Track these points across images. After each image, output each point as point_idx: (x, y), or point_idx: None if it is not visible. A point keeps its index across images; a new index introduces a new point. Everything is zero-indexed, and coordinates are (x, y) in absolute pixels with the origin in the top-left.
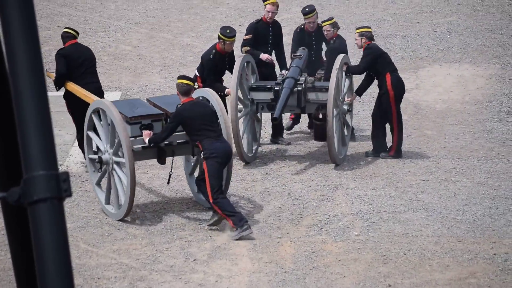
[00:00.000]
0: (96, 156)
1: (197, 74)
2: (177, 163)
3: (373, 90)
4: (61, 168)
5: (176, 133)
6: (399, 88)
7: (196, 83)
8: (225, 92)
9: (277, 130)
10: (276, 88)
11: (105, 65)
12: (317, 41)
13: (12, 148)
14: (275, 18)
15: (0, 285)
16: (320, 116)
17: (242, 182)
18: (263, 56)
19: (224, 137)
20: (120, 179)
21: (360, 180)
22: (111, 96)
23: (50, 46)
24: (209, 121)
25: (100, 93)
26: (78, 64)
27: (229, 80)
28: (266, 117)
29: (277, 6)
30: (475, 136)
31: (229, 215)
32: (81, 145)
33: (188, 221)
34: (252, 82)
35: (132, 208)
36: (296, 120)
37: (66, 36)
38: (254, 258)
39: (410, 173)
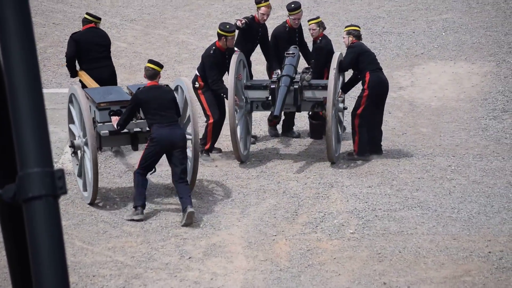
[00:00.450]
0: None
1: (198, 74)
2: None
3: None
4: (56, 166)
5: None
6: (377, 89)
7: (196, 82)
8: (228, 98)
9: (286, 125)
10: (272, 86)
11: None
12: (300, 38)
13: (7, 145)
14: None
15: None
16: (311, 113)
17: (237, 179)
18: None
19: (188, 127)
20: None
21: (355, 178)
22: None
23: (45, 42)
24: (164, 107)
25: (113, 77)
26: (89, 49)
27: (226, 79)
28: (262, 115)
29: (271, 8)
30: (470, 134)
31: (137, 192)
32: None
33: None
34: (244, 80)
35: (97, 191)
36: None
37: (84, 21)
38: (249, 256)
39: (405, 171)
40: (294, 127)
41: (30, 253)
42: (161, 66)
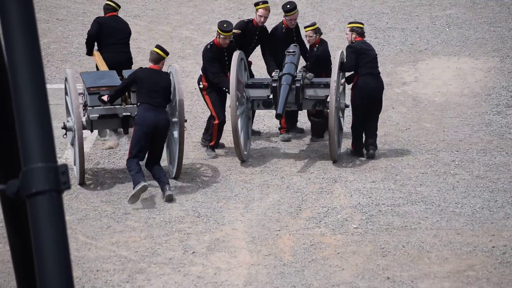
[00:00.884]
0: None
1: (202, 74)
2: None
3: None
4: (60, 161)
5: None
6: (360, 94)
7: (201, 83)
8: (229, 92)
9: (290, 123)
10: (274, 85)
11: None
12: (297, 37)
13: (11, 140)
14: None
15: None
16: (316, 111)
17: (241, 174)
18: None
19: (173, 116)
20: None
21: (359, 173)
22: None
23: (48, 38)
24: (155, 90)
25: (129, 63)
26: (110, 33)
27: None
28: (263, 112)
29: (269, 11)
30: (474, 129)
31: (133, 178)
32: None
33: (187, 213)
34: (245, 79)
35: (84, 172)
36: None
37: (106, 8)
38: (253, 251)
39: (409, 166)
40: (297, 124)
41: (34, 248)
42: (166, 53)
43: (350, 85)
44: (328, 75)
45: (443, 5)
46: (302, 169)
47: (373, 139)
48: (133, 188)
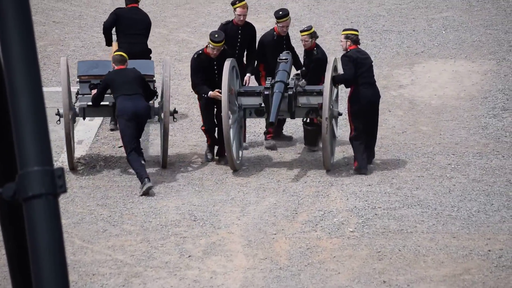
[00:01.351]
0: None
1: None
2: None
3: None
4: (56, 164)
5: None
6: (357, 105)
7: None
8: (208, 95)
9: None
10: (266, 93)
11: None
12: (287, 44)
13: (7, 143)
14: (250, 21)
15: None
16: (308, 120)
17: (237, 178)
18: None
19: (160, 111)
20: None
21: (355, 176)
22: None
23: (45, 41)
24: (128, 82)
25: (145, 54)
26: (128, 24)
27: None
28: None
29: (247, 8)
30: (470, 132)
31: (137, 171)
32: None
33: (183, 217)
34: (237, 87)
35: (72, 158)
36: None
37: None
38: (249, 255)
39: (405, 169)
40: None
41: (30, 252)
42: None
43: (347, 93)
44: None
45: (440, 8)
46: (298, 173)
47: (370, 155)
48: (141, 184)
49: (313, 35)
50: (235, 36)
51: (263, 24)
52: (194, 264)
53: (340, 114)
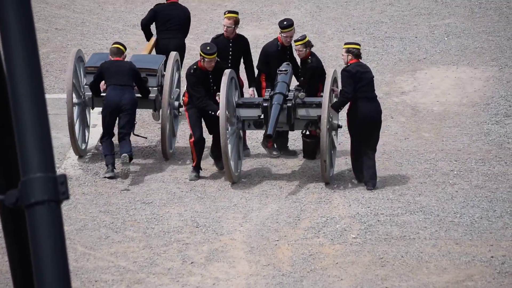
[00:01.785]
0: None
1: (186, 90)
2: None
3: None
4: (59, 171)
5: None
6: (355, 120)
7: (182, 98)
8: (217, 114)
9: (280, 143)
10: (265, 104)
11: None
12: (290, 55)
13: (10, 150)
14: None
15: None
16: (308, 132)
17: (240, 184)
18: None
19: (160, 102)
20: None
21: (358, 183)
22: None
23: (47, 48)
24: (119, 72)
25: (181, 49)
26: (165, 20)
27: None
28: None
29: (235, 21)
30: (472, 138)
31: (106, 158)
32: None
33: (185, 223)
34: (236, 98)
35: (75, 145)
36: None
37: None
38: (251, 261)
39: (407, 175)
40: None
41: (33, 258)
42: (125, 48)
43: (346, 108)
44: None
45: (442, 15)
46: (301, 179)
47: (372, 172)
48: (106, 168)
49: (307, 45)
50: (226, 50)
51: (265, 31)
52: (197, 271)
53: (340, 126)
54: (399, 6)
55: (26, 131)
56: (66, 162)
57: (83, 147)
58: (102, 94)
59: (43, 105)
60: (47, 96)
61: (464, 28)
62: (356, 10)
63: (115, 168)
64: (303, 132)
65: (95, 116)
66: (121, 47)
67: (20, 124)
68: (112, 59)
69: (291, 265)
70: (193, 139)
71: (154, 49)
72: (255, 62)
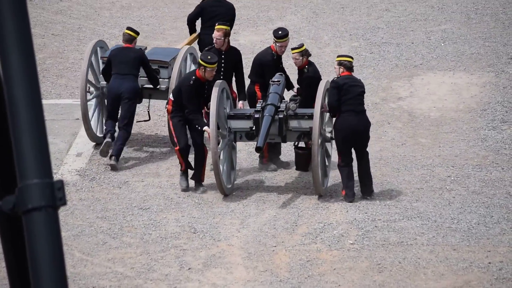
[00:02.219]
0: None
1: (171, 97)
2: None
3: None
4: (56, 177)
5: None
6: (341, 133)
7: (166, 106)
8: (204, 129)
9: (273, 154)
10: (256, 116)
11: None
12: (281, 64)
13: (7, 156)
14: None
15: None
16: (299, 144)
17: (237, 190)
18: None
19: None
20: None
21: (355, 189)
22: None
23: (44, 53)
24: (125, 61)
25: None
26: (210, 16)
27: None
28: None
29: (224, 33)
30: (469, 144)
31: (106, 129)
32: None
33: (183, 229)
34: (227, 109)
35: (89, 131)
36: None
37: None
38: (249, 267)
39: (404, 181)
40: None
41: (30, 264)
42: (137, 33)
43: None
44: None
45: (438, 21)
46: (298, 185)
47: (368, 183)
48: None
49: (304, 53)
50: (218, 61)
51: (262, 36)
52: (194, 277)
53: (332, 138)
54: (396, 12)
55: (22, 137)
56: (63, 168)
57: (99, 134)
58: None
59: (39, 111)
60: (43, 101)
61: (461, 34)
62: (353, 16)
63: (114, 138)
64: (295, 144)
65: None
66: (131, 33)
67: (17, 130)
68: (124, 45)
69: (289, 271)
70: (178, 147)
71: (197, 45)
72: (247, 72)
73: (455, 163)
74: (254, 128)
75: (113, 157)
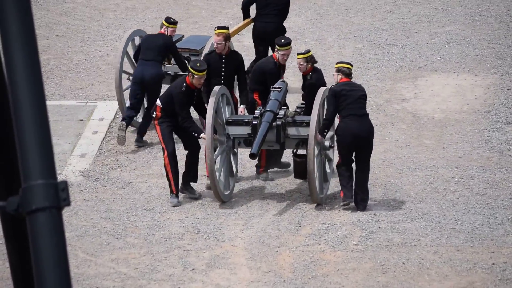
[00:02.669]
0: None
1: (159, 104)
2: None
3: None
4: (60, 177)
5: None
6: (343, 138)
7: (155, 112)
8: (200, 136)
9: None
10: (254, 122)
11: (104, 74)
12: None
13: (11, 157)
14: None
15: None
16: (298, 152)
17: (241, 191)
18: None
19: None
20: None
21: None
22: (109, 105)
23: (48, 55)
24: (152, 47)
25: (278, 32)
26: (263, 5)
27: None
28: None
29: (224, 37)
30: (473, 145)
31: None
32: None
33: (186, 230)
34: (227, 115)
35: (122, 106)
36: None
37: None
38: (252, 268)
39: (408, 182)
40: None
41: (34, 265)
42: (169, 22)
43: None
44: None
45: (442, 22)
46: (302, 185)
47: (363, 193)
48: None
49: (309, 60)
50: (218, 66)
51: None
52: (198, 277)
53: (331, 146)
54: (400, 14)
55: (27, 138)
56: (67, 169)
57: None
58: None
59: (44, 112)
60: (48, 102)
61: (465, 36)
62: (357, 17)
63: (128, 125)
64: (294, 151)
65: (96, 123)
66: (163, 21)
67: (21, 131)
68: (159, 31)
69: (292, 271)
70: (166, 153)
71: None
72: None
73: (459, 164)
74: (252, 135)
75: (123, 124)
